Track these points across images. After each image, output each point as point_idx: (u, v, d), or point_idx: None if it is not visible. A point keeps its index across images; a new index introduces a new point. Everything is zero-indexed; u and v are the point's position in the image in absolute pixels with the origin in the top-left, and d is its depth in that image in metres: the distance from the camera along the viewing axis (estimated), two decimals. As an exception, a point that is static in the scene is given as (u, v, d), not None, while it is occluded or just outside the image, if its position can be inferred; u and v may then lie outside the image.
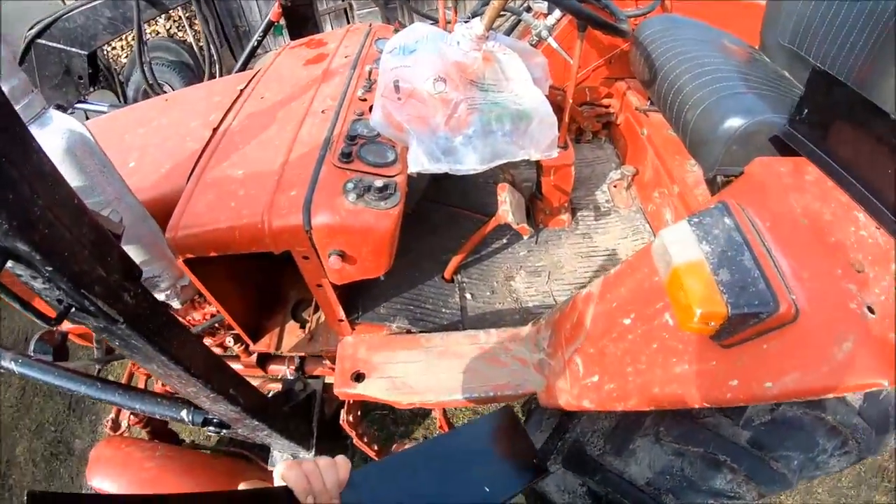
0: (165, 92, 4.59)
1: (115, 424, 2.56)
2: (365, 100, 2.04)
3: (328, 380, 2.44)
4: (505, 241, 2.57)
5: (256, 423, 1.78)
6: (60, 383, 1.71)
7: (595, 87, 3.07)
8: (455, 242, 2.43)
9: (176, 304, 2.05)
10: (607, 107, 3.08)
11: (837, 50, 1.98)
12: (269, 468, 2.26)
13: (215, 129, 2.07)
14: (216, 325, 2.27)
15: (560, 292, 2.38)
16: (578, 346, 1.79)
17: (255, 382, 2.49)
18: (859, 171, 1.35)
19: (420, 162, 1.77)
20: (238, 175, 1.80)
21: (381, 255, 1.73)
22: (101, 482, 2.27)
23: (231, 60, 5.15)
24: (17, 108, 1.20)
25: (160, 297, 1.96)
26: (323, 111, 1.98)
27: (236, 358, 2.40)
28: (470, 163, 1.83)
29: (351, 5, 6.19)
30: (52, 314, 1.03)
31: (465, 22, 1.92)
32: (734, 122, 1.82)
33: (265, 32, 4.05)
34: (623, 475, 1.91)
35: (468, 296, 2.31)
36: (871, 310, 1.17)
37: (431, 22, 3.66)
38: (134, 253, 1.76)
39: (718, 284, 1.21)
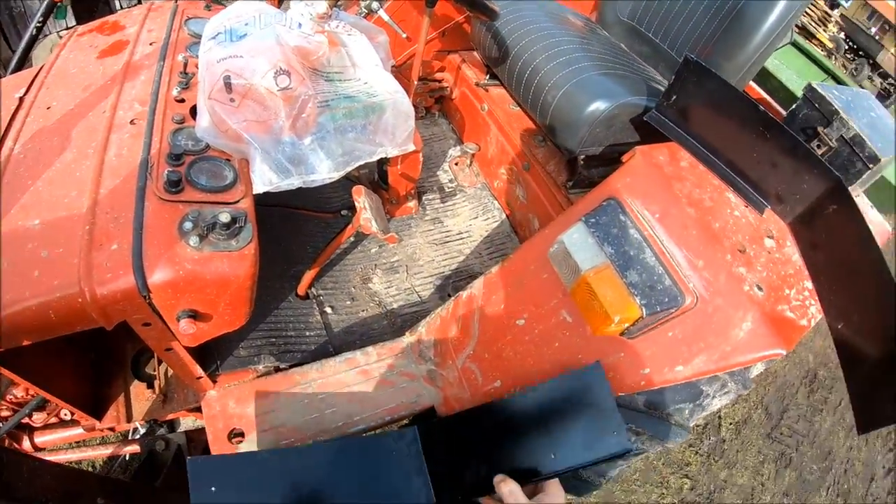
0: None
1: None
2: (183, 100, 1.55)
3: (184, 421, 2.02)
4: (352, 238, 2.21)
5: (137, 518, 1.40)
6: None
7: (428, 62, 2.73)
8: (301, 250, 2.05)
9: (-9, 400, 1.51)
10: (440, 80, 2.77)
11: (679, 28, 2.08)
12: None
13: (-8, 158, 1.50)
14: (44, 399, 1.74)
15: (422, 286, 2.13)
16: (471, 353, 1.62)
17: (107, 450, 2.01)
18: (726, 154, 1.37)
19: (267, 178, 1.37)
20: (35, 227, 1.27)
21: (241, 305, 1.32)
22: None
23: (7, 51, 4.14)
24: None
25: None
26: (132, 121, 1.47)
27: (75, 423, 1.87)
28: (324, 170, 1.45)
29: (139, -25, 5.23)
30: None
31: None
32: (599, 106, 1.78)
33: (46, 16, 3.21)
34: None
35: (328, 309, 1.95)
36: (759, 287, 1.22)
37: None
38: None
39: (629, 287, 1.20)
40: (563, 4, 2.42)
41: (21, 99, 1.71)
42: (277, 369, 1.71)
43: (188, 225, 1.22)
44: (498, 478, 1.14)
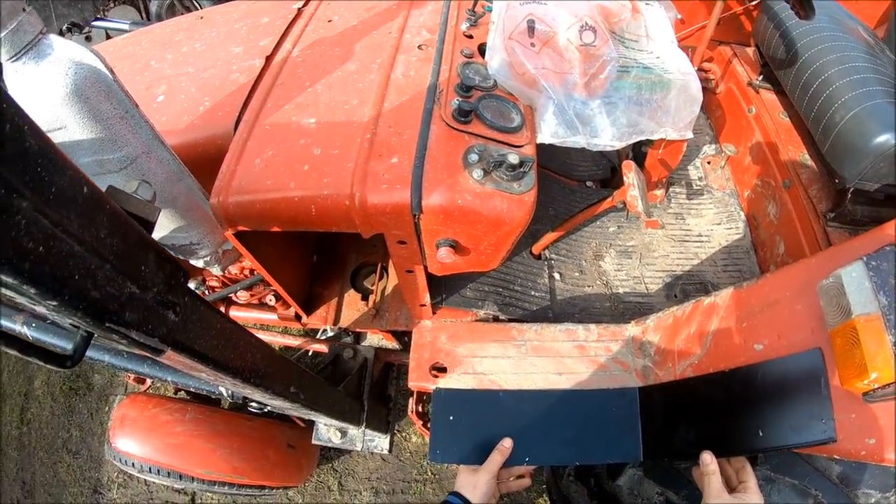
0: (196, 8, 3.87)
1: (140, 376, 2.12)
2: (471, 37, 1.52)
3: (370, 336, 2.08)
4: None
5: (311, 410, 1.42)
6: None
7: (695, 48, 2.53)
8: (542, 210, 1.98)
9: (216, 271, 1.60)
10: (707, 71, 2.60)
11: None
12: (315, 441, 1.91)
13: (269, 59, 1.55)
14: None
15: (652, 279, 2.02)
16: (695, 363, 1.49)
17: (295, 342, 2.11)
18: None
19: (554, 130, 1.31)
20: (310, 125, 1.31)
21: (502, 248, 1.28)
22: (126, 445, 1.91)
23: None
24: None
25: (198, 263, 1.50)
26: (420, 46, 1.47)
27: (272, 309, 1.97)
28: (606, 137, 1.38)
29: None
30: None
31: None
32: (890, 139, 1.61)
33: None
34: (710, 494, 1.68)
35: (556, 275, 1.89)
36: None
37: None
38: (168, 219, 1.29)
39: (892, 347, 1.08)
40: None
41: (300, 11, 1.76)
42: (496, 319, 1.68)
43: (474, 157, 1.19)
44: (706, 457, 1.25)
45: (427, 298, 1.53)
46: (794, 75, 1.93)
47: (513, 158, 1.16)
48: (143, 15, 3.99)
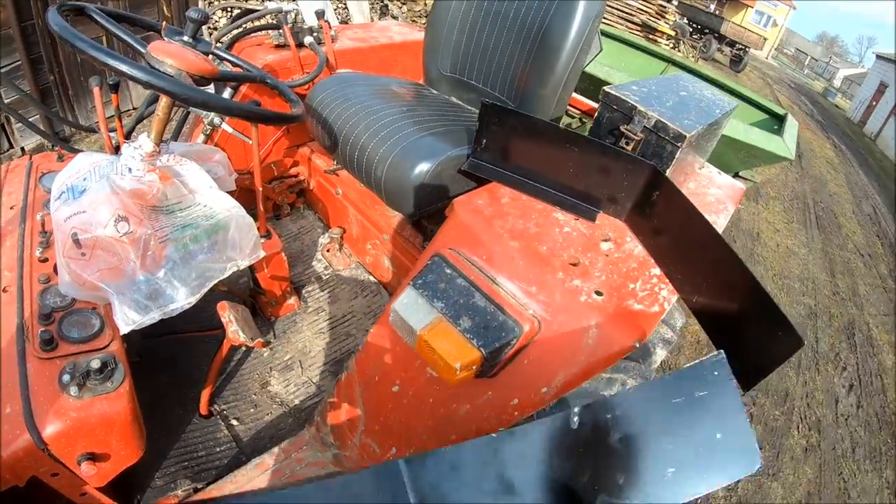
0: None
1: None
2: (46, 259, 1.81)
3: None
4: (243, 348, 2.45)
5: None
6: None
7: (280, 161, 3.03)
8: (198, 371, 2.27)
9: None
10: (296, 175, 3.07)
11: (496, 68, 2.43)
12: None
13: None
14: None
15: (319, 376, 2.38)
16: (363, 429, 1.85)
17: None
18: (546, 177, 1.60)
19: (129, 318, 1.64)
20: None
21: (131, 439, 1.59)
22: None
23: None
24: None
25: None
26: (5, 289, 1.73)
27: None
28: (181, 298, 1.73)
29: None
30: None
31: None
32: (423, 167, 1.99)
33: None
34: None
35: (234, 422, 2.18)
36: (598, 293, 1.39)
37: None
38: None
39: (463, 333, 1.37)
40: (395, 76, 2.75)
41: None
42: (196, 490, 1.92)
43: (66, 378, 1.50)
44: None
45: None
46: (340, 154, 2.34)
47: (94, 364, 1.50)
48: None
